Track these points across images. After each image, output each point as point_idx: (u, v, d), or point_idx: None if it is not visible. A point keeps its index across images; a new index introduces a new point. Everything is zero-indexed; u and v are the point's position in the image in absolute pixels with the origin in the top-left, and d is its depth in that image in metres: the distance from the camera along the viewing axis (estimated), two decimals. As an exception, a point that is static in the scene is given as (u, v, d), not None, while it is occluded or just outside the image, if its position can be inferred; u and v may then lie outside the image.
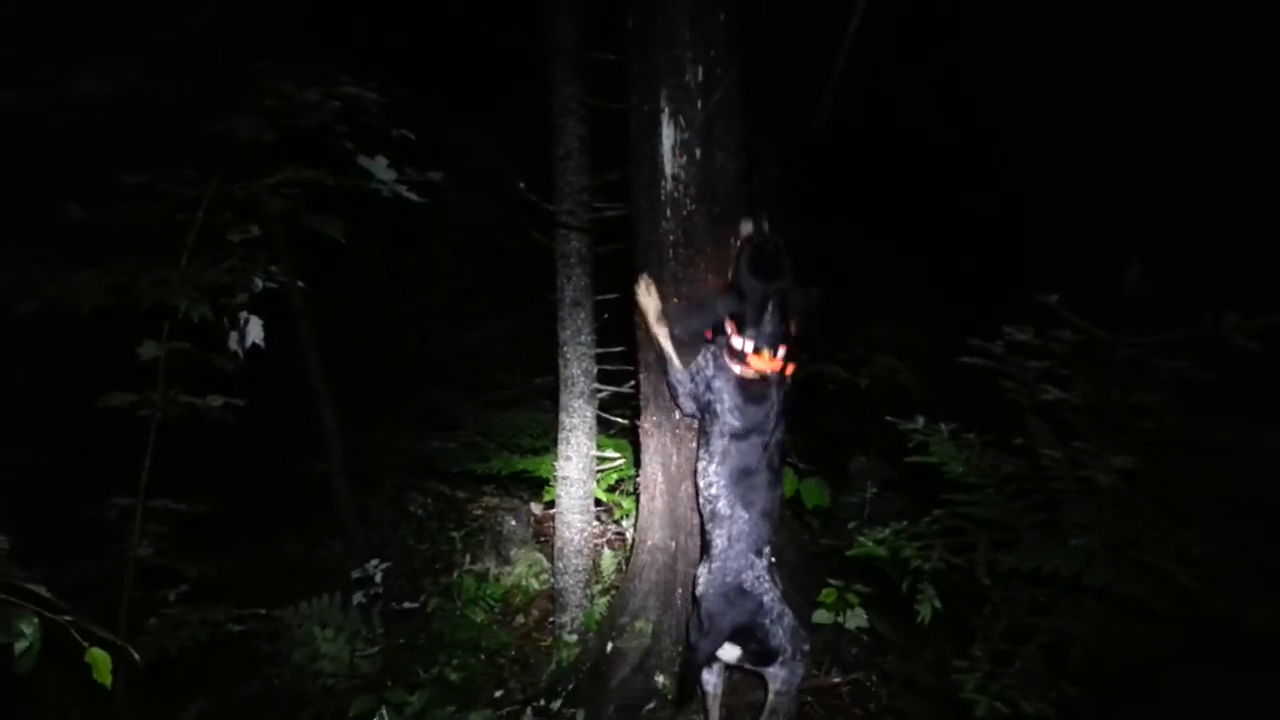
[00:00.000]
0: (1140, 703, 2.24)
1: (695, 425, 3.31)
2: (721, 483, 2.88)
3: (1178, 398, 2.20)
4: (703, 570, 2.90)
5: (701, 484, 2.94)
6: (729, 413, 2.89)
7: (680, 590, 3.33)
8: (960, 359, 2.39)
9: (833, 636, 3.26)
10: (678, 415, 3.34)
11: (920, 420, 2.57)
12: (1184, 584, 1.96)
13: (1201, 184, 6.40)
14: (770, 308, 2.86)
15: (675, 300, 3.29)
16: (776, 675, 2.88)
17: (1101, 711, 2.24)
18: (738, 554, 2.84)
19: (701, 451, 2.97)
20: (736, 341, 2.86)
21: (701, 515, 2.98)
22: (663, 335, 3.13)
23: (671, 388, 3.11)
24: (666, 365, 3.10)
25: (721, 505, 2.87)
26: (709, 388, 2.94)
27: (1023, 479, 2.34)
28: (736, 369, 2.87)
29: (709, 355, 2.96)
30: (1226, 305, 2.09)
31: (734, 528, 2.85)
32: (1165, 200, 6.56)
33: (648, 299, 3.19)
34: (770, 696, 2.90)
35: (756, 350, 2.85)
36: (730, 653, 2.84)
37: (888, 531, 2.55)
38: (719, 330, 2.93)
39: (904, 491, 3.94)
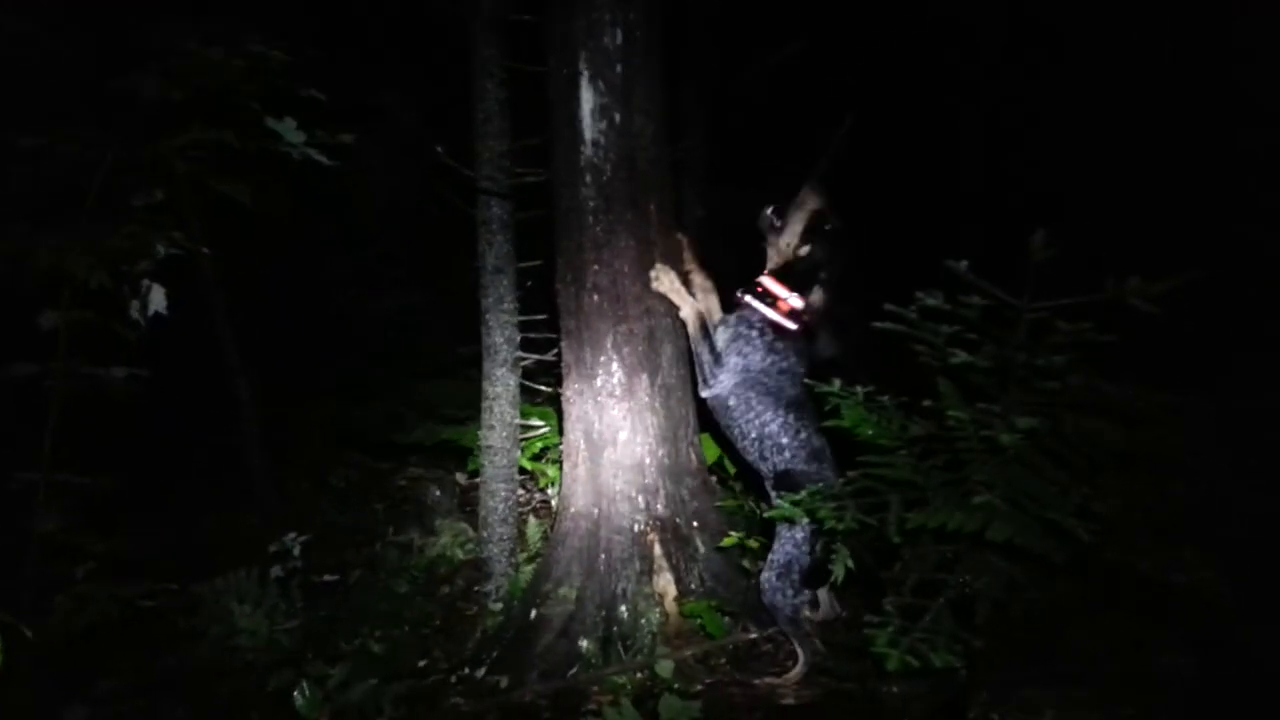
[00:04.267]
0: (1040, 651, 2.34)
1: (616, 392, 3.32)
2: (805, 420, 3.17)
3: (1080, 360, 2.27)
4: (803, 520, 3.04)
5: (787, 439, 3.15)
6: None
7: (603, 556, 3.34)
8: (873, 324, 2.43)
9: (749, 594, 3.31)
10: (599, 382, 3.34)
11: (836, 383, 2.62)
12: (1081, 538, 2.04)
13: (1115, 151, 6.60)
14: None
15: (595, 267, 3.28)
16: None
17: (1006, 661, 2.33)
18: None
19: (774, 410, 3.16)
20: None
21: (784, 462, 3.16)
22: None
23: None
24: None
25: (816, 441, 3.15)
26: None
27: (931, 440, 2.40)
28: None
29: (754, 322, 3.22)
30: (1130, 270, 2.16)
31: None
32: (1079, 168, 6.75)
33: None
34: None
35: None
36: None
37: (804, 493, 2.60)
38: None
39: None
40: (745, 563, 3.49)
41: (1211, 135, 6.00)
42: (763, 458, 3.21)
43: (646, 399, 3.36)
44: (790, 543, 3.09)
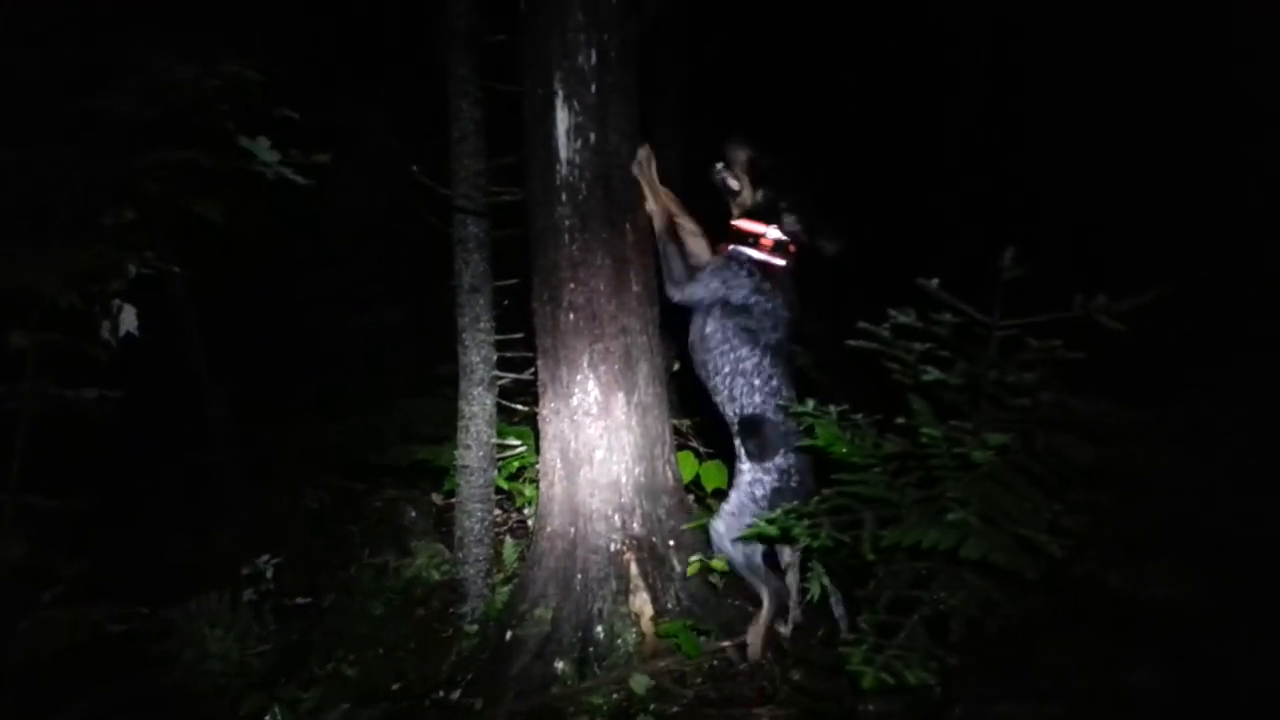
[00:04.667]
0: (1014, 668, 2.35)
1: (592, 411, 3.32)
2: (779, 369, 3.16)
3: (1050, 376, 2.29)
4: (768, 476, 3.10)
5: (759, 381, 3.13)
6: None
7: (580, 576, 3.32)
8: (847, 341, 2.45)
9: (725, 612, 3.32)
10: (575, 401, 3.34)
11: (810, 403, 2.63)
12: (1053, 554, 2.05)
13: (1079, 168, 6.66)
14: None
15: (571, 285, 3.29)
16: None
17: (979, 678, 2.33)
18: None
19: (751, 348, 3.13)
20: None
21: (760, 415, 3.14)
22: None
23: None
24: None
25: (787, 393, 3.11)
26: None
27: (905, 457, 2.41)
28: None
29: (742, 262, 3.17)
30: (1097, 288, 2.19)
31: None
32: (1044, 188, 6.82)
33: None
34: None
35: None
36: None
37: (779, 511, 2.60)
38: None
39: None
40: (714, 579, 3.48)
41: (1210, 136, 6.06)
42: (731, 398, 3.16)
43: (623, 417, 3.36)
44: (747, 495, 3.11)
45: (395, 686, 3.55)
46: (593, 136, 3.23)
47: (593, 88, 3.20)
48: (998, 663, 2.36)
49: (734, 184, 3.27)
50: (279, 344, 6.05)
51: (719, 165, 3.29)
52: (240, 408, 5.18)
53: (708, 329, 3.17)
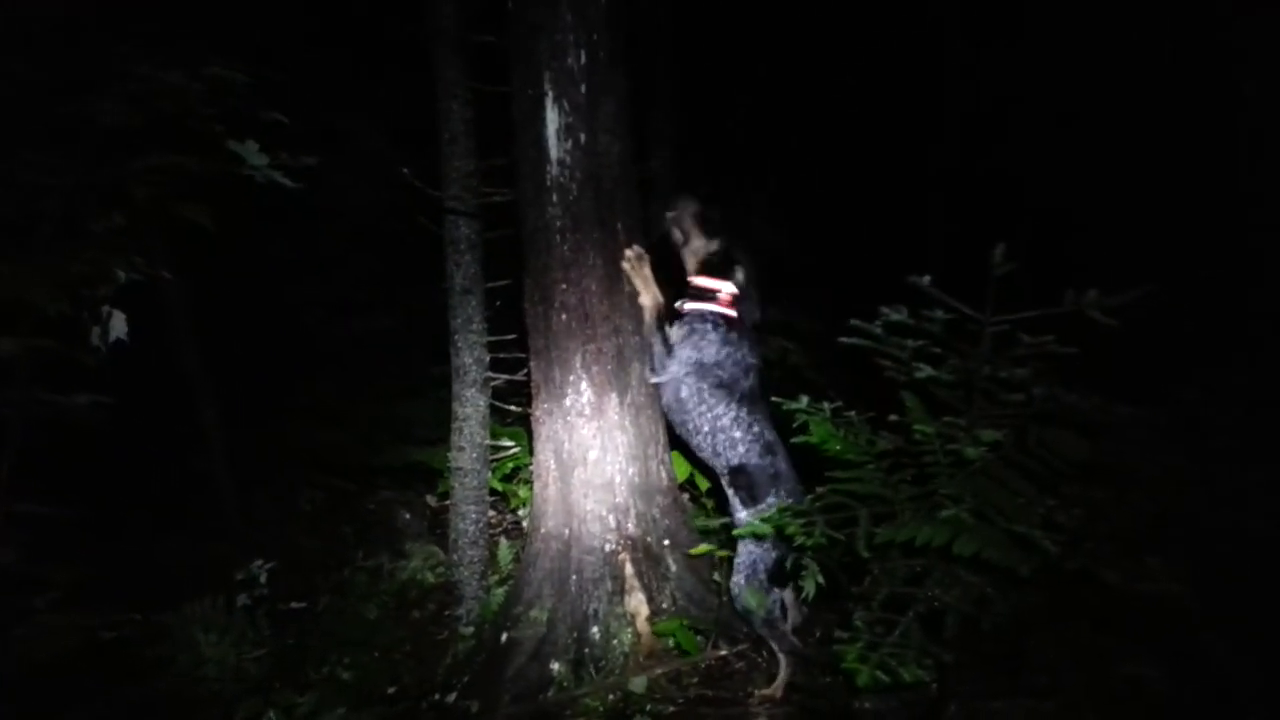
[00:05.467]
0: (1008, 664, 2.35)
1: (585, 411, 3.32)
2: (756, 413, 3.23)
3: (1042, 372, 2.29)
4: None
5: (739, 432, 3.19)
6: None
7: (575, 577, 3.32)
8: (840, 339, 2.44)
9: (720, 611, 3.31)
10: (568, 401, 3.34)
11: (804, 400, 2.63)
12: (1046, 549, 2.05)
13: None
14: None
15: (563, 286, 3.28)
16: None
17: (974, 674, 2.34)
18: None
19: (727, 403, 3.20)
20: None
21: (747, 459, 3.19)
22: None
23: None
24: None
25: (769, 434, 3.20)
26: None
27: (899, 454, 2.41)
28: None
29: (706, 318, 3.26)
30: (1089, 283, 2.19)
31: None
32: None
33: None
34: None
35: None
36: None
37: (773, 510, 2.60)
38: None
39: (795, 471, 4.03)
40: (717, 576, 3.48)
41: (1209, 135, 6.07)
42: (716, 453, 3.24)
43: (616, 417, 3.35)
44: (751, 541, 3.11)
45: (391, 690, 3.54)
46: (583, 137, 3.23)
47: (582, 88, 3.20)
48: (992, 659, 2.37)
49: (682, 238, 3.36)
50: (271, 347, 6.02)
51: (669, 215, 3.37)
52: (233, 411, 5.15)
53: (683, 393, 3.26)
